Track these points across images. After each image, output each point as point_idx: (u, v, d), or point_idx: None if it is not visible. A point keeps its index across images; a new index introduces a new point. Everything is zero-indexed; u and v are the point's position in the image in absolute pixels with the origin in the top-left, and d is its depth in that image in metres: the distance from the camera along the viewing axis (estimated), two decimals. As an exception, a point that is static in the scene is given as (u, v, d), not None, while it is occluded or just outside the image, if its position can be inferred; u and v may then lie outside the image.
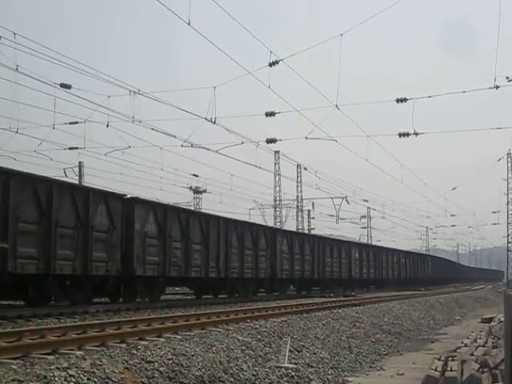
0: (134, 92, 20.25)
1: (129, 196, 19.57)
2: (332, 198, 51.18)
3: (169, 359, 8.02)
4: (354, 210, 66.51)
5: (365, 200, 53.70)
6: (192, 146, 24.34)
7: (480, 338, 13.15)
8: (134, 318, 13.58)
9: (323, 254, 34.25)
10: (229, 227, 24.48)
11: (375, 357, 12.91)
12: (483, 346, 11.42)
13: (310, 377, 9.37)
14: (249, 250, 26.01)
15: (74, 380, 6.36)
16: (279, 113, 20.89)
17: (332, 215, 55.15)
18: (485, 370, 8.53)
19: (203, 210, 46.29)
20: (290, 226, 52.05)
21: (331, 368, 10.66)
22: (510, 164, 58.26)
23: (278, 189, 52.64)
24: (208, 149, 24.56)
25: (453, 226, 77.04)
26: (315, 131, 22.19)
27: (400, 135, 21.22)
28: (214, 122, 19.54)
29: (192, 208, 47.76)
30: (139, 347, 8.68)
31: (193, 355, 8.52)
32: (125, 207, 18.62)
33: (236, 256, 24.88)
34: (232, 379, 8.28)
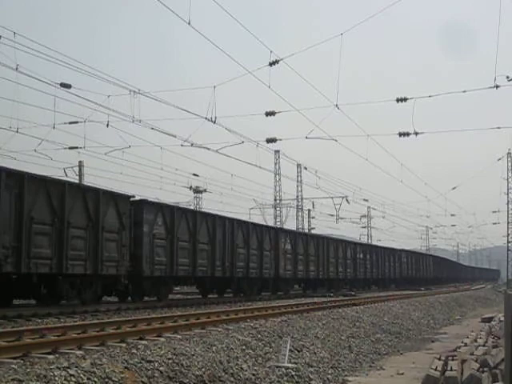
0: (134, 92, 20.23)
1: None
2: (332, 198, 51.18)
3: (169, 359, 8.02)
4: (354, 210, 66.71)
5: (365, 199, 53.69)
6: (192, 145, 24.32)
7: (480, 338, 13.15)
8: (133, 318, 13.58)
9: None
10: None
11: (375, 356, 12.91)
12: (483, 345, 11.43)
13: (310, 376, 9.37)
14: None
15: (74, 379, 6.36)
16: (279, 112, 20.85)
17: (332, 215, 55.17)
18: (485, 369, 8.54)
19: (203, 210, 46.27)
20: (290, 225, 52.08)
21: (331, 367, 10.66)
22: (510, 163, 58.23)
23: (278, 188, 52.65)
24: (208, 148, 24.55)
25: (453, 225, 77.13)
26: (315, 131, 22.23)
27: (400, 135, 21.20)
28: (214, 122, 19.53)
29: (192, 207, 47.75)
30: (139, 347, 8.69)
31: (193, 355, 8.52)
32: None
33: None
34: (232, 379, 8.28)
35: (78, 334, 10.22)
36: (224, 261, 23.87)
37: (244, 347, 10.02)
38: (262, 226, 29.96)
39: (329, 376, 9.94)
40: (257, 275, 26.70)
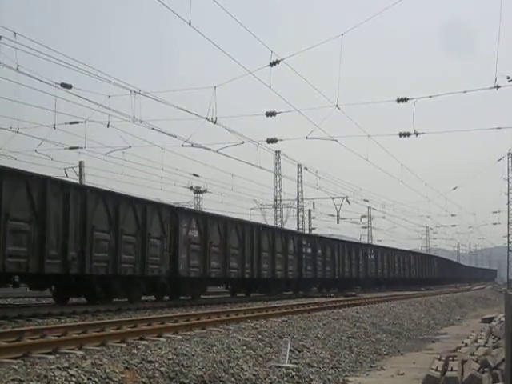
0: (135, 92, 20.23)
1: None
2: (332, 198, 51.13)
3: (169, 359, 8.03)
4: (355, 210, 66.67)
5: (365, 200, 53.69)
6: (192, 145, 24.32)
7: (480, 338, 13.15)
8: (134, 318, 13.58)
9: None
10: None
11: (376, 357, 12.91)
12: (484, 345, 11.42)
13: (311, 376, 9.37)
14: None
15: (74, 380, 6.36)
16: (280, 113, 20.85)
17: (333, 215, 55.13)
18: (485, 369, 8.53)
19: (204, 210, 46.27)
20: (291, 225, 52.07)
21: (332, 368, 10.65)
22: (510, 164, 58.23)
23: (278, 189, 52.64)
24: (209, 149, 24.55)
25: (453, 225, 77.12)
26: (316, 131, 22.17)
27: (400, 135, 21.20)
28: (215, 122, 19.53)
29: (193, 208, 47.74)
30: (140, 347, 8.69)
31: (193, 355, 8.52)
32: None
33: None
34: (232, 379, 8.28)
35: (79, 334, 10.21)
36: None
37: (244, 347, 10.02)
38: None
39: (329, 376, 9.94)
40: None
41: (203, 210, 49.46)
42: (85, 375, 6.55)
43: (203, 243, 22.19)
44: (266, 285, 27.76)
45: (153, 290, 20.88)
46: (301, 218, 55.11)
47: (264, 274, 26.87)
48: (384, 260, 45.62)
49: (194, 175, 41.31)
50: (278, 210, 53.48)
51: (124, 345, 9.35)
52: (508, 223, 59.46)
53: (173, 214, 20.99)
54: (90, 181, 31.88)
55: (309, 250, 32.51)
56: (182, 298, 21.89)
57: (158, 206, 20.41)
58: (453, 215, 66.07)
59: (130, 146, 26.74)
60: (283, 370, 9.18)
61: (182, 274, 21.12)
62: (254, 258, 25.81)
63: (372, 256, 43.07)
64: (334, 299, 25.82)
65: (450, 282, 67.74)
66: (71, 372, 6.51)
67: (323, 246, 34.58)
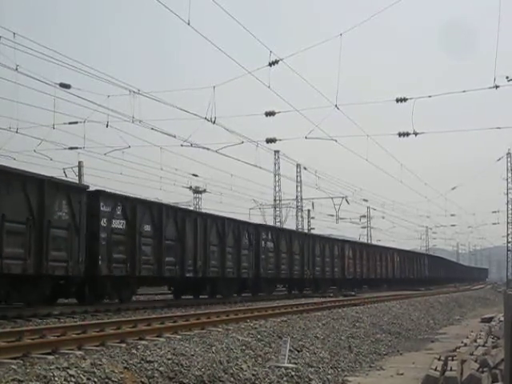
0: (134, 92, 20.26)
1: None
2: (332, 198, 51.17)
3: (169, 359, 8.02)
4: (354, 210, 66.64)
5: (365, 200, 53.77)
6: (192, 145, 24.35)
7: (480, 338, 13.15)
8: (133, 318, 13.59)
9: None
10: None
11: (375, 356, 12.90)
12: (483, 345, 11.42)
13: (310, 376, 9.37)
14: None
15: (73, 380, 6.36)
16: (279, 112, 20.89)
17: (332, 215, 55.16)
18: (484, 369, 8.53)
19: (203, 210, 46.30)
20: (290, 225, 52.08)
21: (331, 368, 10.65)
22: (509, 164, 58.29)
23: (277, 188, 52.71)
24: (208, 148, 24.57)
25: (453, 225, 77.25)
26: (315, 131, 22.19)
27: (400, 135, 21.22)
28: (214, 122, 19.53)
29: (192, 208, 47.74)
30: (139, 347, 8.69)
31: (192, 355, 8.52)
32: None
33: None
34: (232, 379, 8.28)
35: (78, 334, 10.23)
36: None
37: (244, 347, 10.02)
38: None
39: (328, 376, 9.94)
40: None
41: (203, 210, 49.51)
42: (84, 375, 6.54)
43: (130, 233, 18.76)
44: (214, 285, 24.37)
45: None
46: (300, 218, 55.21)
47: (212, 272, 23.33)
48: (364, 258, 41.66)
49: (194, 175, 41.34)
50: (278, 210, 53.53)
51: (123, 345, 9.36)
52: (507, 223, 59.60)
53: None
54: (89, 181, 31.90)
55: (270, 245, 28.58)
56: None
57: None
58: (452, 215, 66.22)
59: (129, 146, 26.77)
60: (282, 369, 9.18)
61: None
62: (198, 253, 22.33)
63: (350, 253, 39.25)
64: (334, 299, 25.83)
65: (440, 282, 63.78)
66: (71, 372, 6.51)
67: (288, 240, 30.64)
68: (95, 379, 6.57)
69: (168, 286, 23.90)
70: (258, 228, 28.36)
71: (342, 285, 38.03)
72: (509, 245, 60.52)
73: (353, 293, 32.28)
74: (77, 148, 27.08)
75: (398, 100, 19.55)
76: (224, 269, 24.20)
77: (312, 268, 32.99)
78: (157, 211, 20.30)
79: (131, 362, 7.54)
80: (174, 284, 23.15)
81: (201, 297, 24.12)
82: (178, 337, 10.59)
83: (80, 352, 8.56)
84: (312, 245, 33.61)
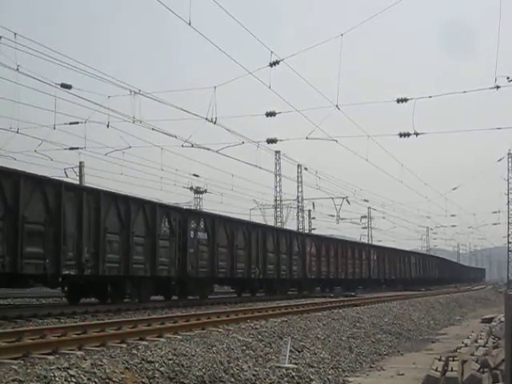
0: (135, 92, 20.22)
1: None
2: (332, 198, 51.11)
3: (169, 359, 8.02)
4: (355, 210, 66.49)
5: (365, 200, 53.66)
6: (192, 146, 24.32)
7: (480, 338, 13.14)
8: (134, 318, 13.59)
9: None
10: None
11: (375, 357, 12.90)
12: (484, 346, 11.41)
13: (311, 377, 9.36)
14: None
15: (74, 380, 6.36)
16: (280, 113, 20.87)
17: (332, 215, 55.08)
18: (485, 370, 8.53)
19: (204, 211, 46.26)
20: (291, 226, 52.05)
21: (332, 368, 10.65)
22: (510, 164, 58.28)
23: (278, 189, 52.65)
24: (208, 149, 24.55)
25: (453, 226, 77.16)
26: (316, 131, 22.17)
27: (400, 135, 21.22)
28: (215, 122, 19.53)
29: (193, 208, 47.72)
30: (139, 347, 8.69)
31: (193, 355, 8.52)
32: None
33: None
34: (232, 379, 8.27)
35: (79, 334, 10.22)
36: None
37: (244, 348, 10.02)
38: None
39: (329, 376, 9.93)
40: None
41: (203, 210, 49.46)
42: (85, 375, 6.54)
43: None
44: (116, 286, 19.26)
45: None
46: (301, 219, 55.16)
47: (108, 269, 18.00)
48: (331, 255, 35.98)
49: (194, 175, 41.38)
50: (278, 210, 53.51)
51: (124, 345, 9.36)
52: (508, 223, 59.56)
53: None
54: (89, 181, 31.91)
55: (202, 236, 23.16)
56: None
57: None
58: (453, 215, 66.15)
59: (129, 147, 26.79)
60: (283, 370, 9.18)
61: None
62: (86, 242, 16.83)
63: (313, 249, 33.81)
64: (334, 299, 25.82)
65: (430, 283, 56.62)
66: (71, 372, 6.51)
67: (229, 231, 24.94)
68: (96, 379, 6.57)
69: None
70: (186, 214, 22.68)
71: (302, 286, 32.86)
72: (509, 245, 60.49)
73: (353, 293, 32.27)
74: (77, 148, 27.12)
75: (398, 100, 19.55)
76: (129, 264, 18.53)
77: (262, 266, 27.46)
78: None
79: (132, 362, 7.54)
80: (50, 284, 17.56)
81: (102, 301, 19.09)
82: (179, 337, 10.59)
83: (80, 352, 8.56)
84: (263, 238, 27.85)
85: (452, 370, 8.49)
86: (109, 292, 18.97)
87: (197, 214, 24.56)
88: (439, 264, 68.79)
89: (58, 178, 19.42)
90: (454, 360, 9.37)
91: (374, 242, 67.44)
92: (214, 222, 24.07)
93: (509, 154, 57.22)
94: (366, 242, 67.10)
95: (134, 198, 20.30)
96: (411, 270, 53.88)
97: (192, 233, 22.37)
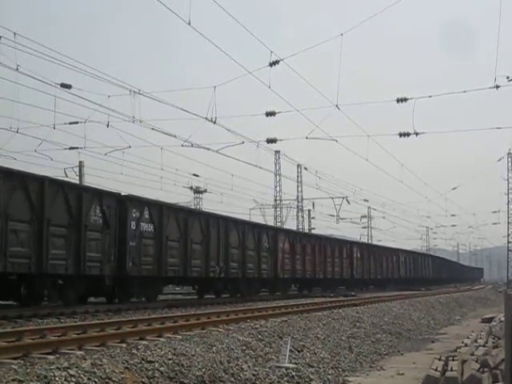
0: (135, 92, 20.23)
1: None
2: (332, 198, 51.17)
3: (169, 359, 8.02)
4: (355, 210, 66.41)
5: (365, 200, 53.70)
6: (192, 145, 24.33)
7: (480, 338, 13.14)
8: (134, 318, 13.59)
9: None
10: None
11: (375, 357, 12.90)
12: (484, 345, 11.42)
13: (311, 377, 9.37)
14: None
15: (74, 380, 6.36)
16: (279, 113, 20.88)
17: (332, 215, 55.14)
18: (485, 369, 8.53)
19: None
20: (291, 225, 52.07)
21: (332, 368, 10.66)
22: (510, 164, 58.30)
23: (278, 189, 52.68)
24: (208, 149, 24.57)
25: (453, 225, 77.18)
26: (315, 131, 22.18)
27: (400, 135, 21.22)
28: (215, 122, 19.54)
29: (193, 208, 47.72)
30: (139, 347, 8.69)
31: (193, 355, 8.52)
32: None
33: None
34: (232, 379, 8.28)
35: (79, 334, 10.22)
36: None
37: (244, 347, 10.02)
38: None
39: (329, 376, 9.94)
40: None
41: (203, 210, 49.44)
42: (85, 375, 6.54)
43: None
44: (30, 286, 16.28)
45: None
46: (300, 218, 55.20)
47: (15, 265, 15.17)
48: (308, 253, 32.22)
49: (194, 175, 41.36)
50: (278, 210, 53.51)
51: (124, 345, 9.36)
52: (508, 223, 59.60)
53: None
54: (89, 181, 31.90)
55: (146, 227, 19.81)
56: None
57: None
58: (453, 215, 66.14)
59: (129, 146, 26.78)
60: (283, 370, 9.18)
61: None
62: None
63: (287, 246, 30.13)
64: (334, 299, 25.82)
65: (416, 283, 52.33)
66: (71, 372, 6.51)
67: (183, 222, 21.65)
68: (96, 379, 6.57)
69: None
70: (125, 201, 19.24)
71: (274, 287, 29.73)
72: (509, 245, 60.51)
73: (353, 293, 32.26)
74: (77, 148, 27.12)
75: (398, 100, 19.55)
76: (41, 260, 15.54)
77: (224, 264, 24.14)
78: None
79: (132, 362, 7.54)
80: None
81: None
82: (179, 337, 10.58)
83: (80, 352, 8.56)
84: (225, 232, 24.41)
85: (452, 370, 8.50)
86: (22, 293, 16.05)
87: (139, 202, 20.02)
88: (433, 263, 64.86)
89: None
90: (453, 360, 9.37)
91: (374, 242, 67.44)
92: (162, 211, 20.61)
93: (509, 153, 57.27)
94: (363, 240, 67.07)
95: (50, 178, 16.84)
96: (400, 269, 50.40)
97: (133, 224, 19.18)
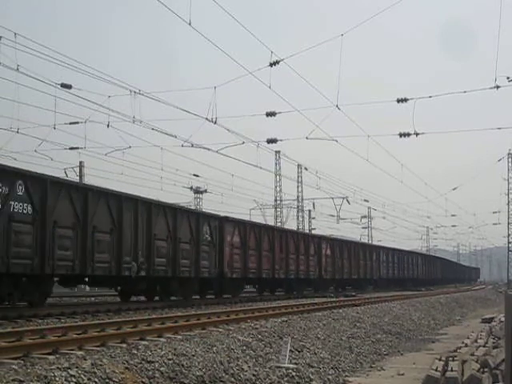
0: (135, 92, 20.22)
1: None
2: (333, 198, 51.15)
3: (169, 359, 8.02)
4: (355, 210, 66.59)
5: (365, 200, 53.65)
6: (192, 146, 24.33)
7: (480, 338, 13.15)
8: (134, 318, 13.58)
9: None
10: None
11: (376, 357, 12.91)
12: (484, 346, 11.42)
13: (311, 377, 9.37)
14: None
15: (74, 380, 6.36)
16: (280, 113, 20.88)
17: (333, 215, 55.13)
18: (485, 370, 8.53)
19: (204, 210, 46.24)
20: (291, 226, 52.04)
21: (332, 368, 10.66)
22: (510, 164, 58.27)
23: (278, 189, 52.65)
24: (209, 149, 24.56)
25: (453, 226, 77.13)
26: (316, 131, 22.19)
27: (400, 135, 21.23)
28: (215, 122, 19.54)
29: (193, 208, 47.72)
30: (140, 347, 8.69)
31: (193, 355, 8.52)
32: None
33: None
34: (232, 379, 8.28)
35: (79, 334, 10.22)
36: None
37: (244, 348, 10.02)
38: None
39: (329, 376, 9.94)
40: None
41: (203, 210, 49.44)
42: (85, 375, 6.55)
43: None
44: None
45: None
46: (301, 219, 55.17)
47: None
48: (264, 248, 27.11)
49: (194, 175, 41.38)
50: (278, 210, 53.50)
51: (124, 345, 9.35)
52: (508, 223, 59.55)
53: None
54: (89, 181, 31.93)
55: (19, 209, 13.89)
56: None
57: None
58: (453, 215, 66.05)
59: (129, 147, 26.80)
60: (283, 370, 9.18)
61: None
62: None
63: (236, 239, 25.21)
64: (334, 299, 25.82)
65: (413, 283, 50.55)
66: (71, 372, 6.51)
67: (81, 204, 15.99)
68: (96, 379, 6.57)
69: None
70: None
71: (220, 287, 24.50)
72: (509, 245, 60.50)
73: (353, 293, 32.25)
74: (77, 148, 27.13)
75: (398, 100, 19.57)
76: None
77: (146, 259, 18.74)
78: None
79: (132, 362, 7.54)
80: None
81: None
82: (179, 337, 10.58)
83: (81, 352, 8.55)
84: (147, 218, 19.02)
85: (452, 370, 8.51)
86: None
87: (5, 172, 13.94)
88: (423, 262, 59.17)
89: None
90: (454, 360, 9.38)
91: (374, 242, 67.40)
92: (47, 186, 14.97)
93: (509, 154, 57.25)
94: (367, 242, 67.02)
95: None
96: (381, 269, 44.60)
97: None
